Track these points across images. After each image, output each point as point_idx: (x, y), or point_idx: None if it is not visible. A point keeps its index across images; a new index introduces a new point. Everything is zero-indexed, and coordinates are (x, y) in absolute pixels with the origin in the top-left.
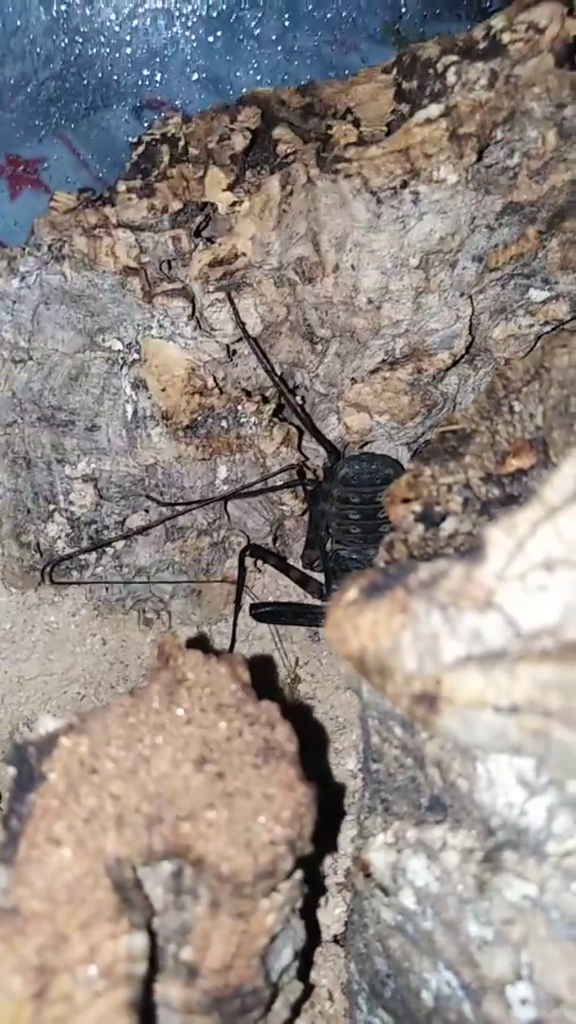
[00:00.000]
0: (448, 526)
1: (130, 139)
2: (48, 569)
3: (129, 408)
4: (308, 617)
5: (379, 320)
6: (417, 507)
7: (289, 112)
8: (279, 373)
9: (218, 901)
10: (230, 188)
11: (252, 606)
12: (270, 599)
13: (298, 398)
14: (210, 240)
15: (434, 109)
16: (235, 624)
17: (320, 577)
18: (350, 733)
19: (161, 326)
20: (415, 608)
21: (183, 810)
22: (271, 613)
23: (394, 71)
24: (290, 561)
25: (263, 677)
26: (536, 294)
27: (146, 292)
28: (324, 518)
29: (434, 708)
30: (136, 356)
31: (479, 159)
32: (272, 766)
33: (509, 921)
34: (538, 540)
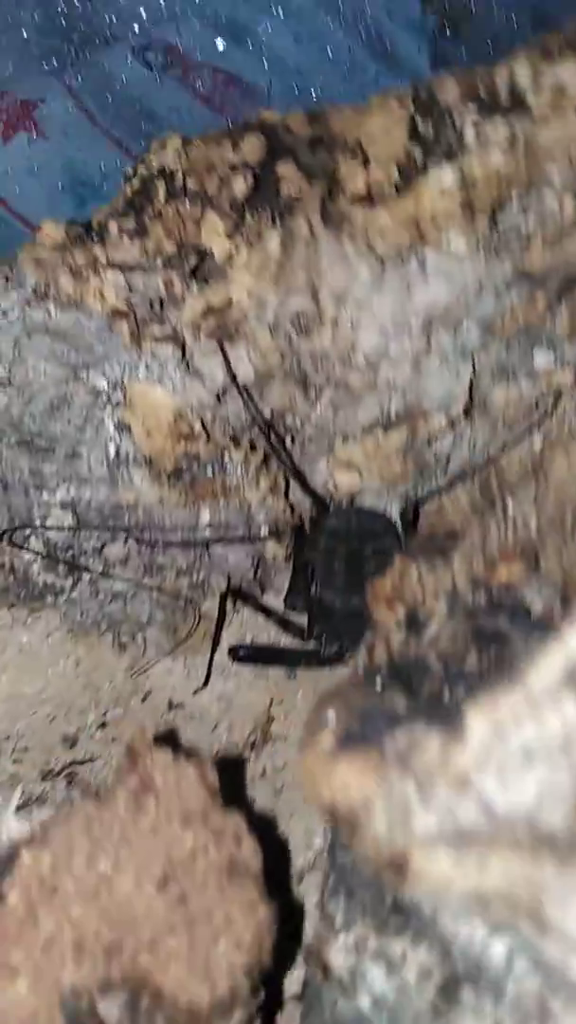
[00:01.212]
0: (431, 630)
1: (125, 172)
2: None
3: (112, 448)
4: (288, 660)
5: (375, 379)
6: (402, 613)
7: (296, 141)
8: (270, 417)
9: None
10: (228, 236)
11: (231, 648)
12: (248, 637)
13: (288, 438)
14: (205, 280)
15: (448, 176)
16: (211, 662)
17: (301, 620)
18: None
19: (148, 368)
20: (389, 775)
21: (143, 938)
22: (250, 655)
23: (410, 104)
24: (271, 594)
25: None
26: (541, 359)
27: (134, 336)
28: (309, 565)
29: (402, 876)
30: (121, 397)
31: (492, 227)
32: (236, 885)
33: None
34: (519, 730)
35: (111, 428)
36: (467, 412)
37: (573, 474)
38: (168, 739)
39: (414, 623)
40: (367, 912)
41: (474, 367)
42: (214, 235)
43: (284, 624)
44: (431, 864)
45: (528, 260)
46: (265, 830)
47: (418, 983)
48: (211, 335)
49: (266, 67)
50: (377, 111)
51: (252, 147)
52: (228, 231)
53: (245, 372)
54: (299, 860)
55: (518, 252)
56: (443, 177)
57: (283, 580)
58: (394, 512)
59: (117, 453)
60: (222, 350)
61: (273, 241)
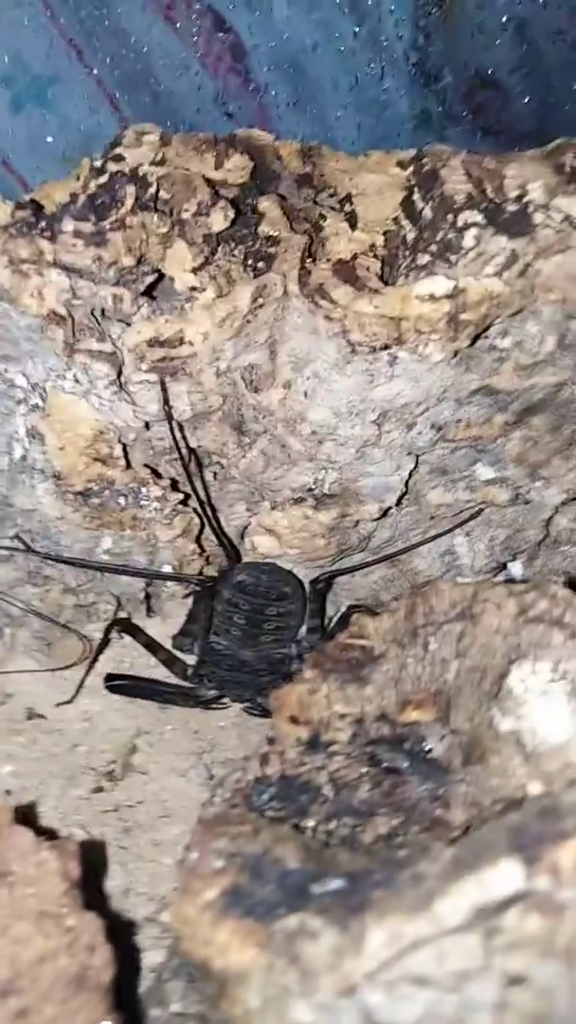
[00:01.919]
0: (330, 753)
1: (92, 163)
2: None
3: (18, 450)
4: (165, 696)
5: (316, 452)
6: (304, 734)
7: (284, 172)
8: (197, 453)
9: None
10: (195, 271)
11: (108, 676)
12: (127, 661)
13: (209, 472)
14: (158, 304)
15: (440, 285)
16: (82, 682)
17: (188, 659)
18: (174, 825)
19: (76, 381)
20: (273, 957)
21: None
22: (127, 687)
23: (410, 170)
24: (156, 620)
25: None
26: (482, 471)
27: (68, 344)
28: (207, 612)
29: None
30: (39, 402)
31: (471, 345)
32: (82, 999)
33: None
34: (418, 956)
35: (21, 429)
36: (399, 502)
37: (502, 632)
38: (29, 816)
39: (314, 745)
40: (207, 1003)
41: (417, 464)
42: (179, 267)
43: (169, 661)
44: None
45: (497, 380)
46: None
47: None
48: (153, 368)
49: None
50: (375, 167)
51: (237, 168)
52: (196, 266)
53: (182, 409)
54: (141, 911)
55: (488, 369)
56: (436, 284)
57: (172, 608)
58: (304, 574)
59: (24, 458)
60: (162, 386)
61: (244, 295)
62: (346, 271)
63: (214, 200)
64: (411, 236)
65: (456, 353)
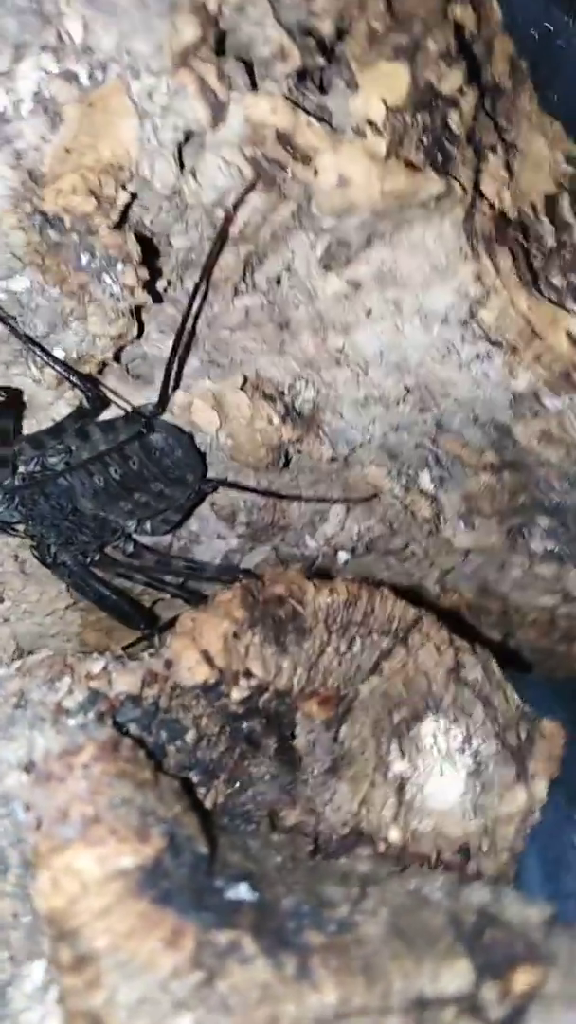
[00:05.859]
0: (214, 703)
1: None
2: None
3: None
4: None
5: (321, 366)
6: (212, 678)
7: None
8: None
9: None
10: (388, 111)
11: None
12: None
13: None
14: (323, 90)
15: None
16: None
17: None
18: None
19: (159, 95)
20: (186, 962)
21: None
22: None
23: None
24: None
25: None
26: (424, 480)
27: (183, 49)
28: (81, 439)
29: None
30: (85, 80)
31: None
32: None
33: None
34: None
35: (30, 85)
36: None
37: (431, 678)
38: None
39: (211, 690)
40: None
41: (383, 435)
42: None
43: None
44: None
45: (519, 430)
46: None
47: None
48: (254, 161)
49: None
50: (550, 136)
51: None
52: (397, 102)
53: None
54: None
55: (519, 416)
56: None
57: None
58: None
59: (3, 114)
60: (249, 188)
61: (431, 186)
62: (508, 239)
63: None
64: (550, 241)
65: (534, 394)
